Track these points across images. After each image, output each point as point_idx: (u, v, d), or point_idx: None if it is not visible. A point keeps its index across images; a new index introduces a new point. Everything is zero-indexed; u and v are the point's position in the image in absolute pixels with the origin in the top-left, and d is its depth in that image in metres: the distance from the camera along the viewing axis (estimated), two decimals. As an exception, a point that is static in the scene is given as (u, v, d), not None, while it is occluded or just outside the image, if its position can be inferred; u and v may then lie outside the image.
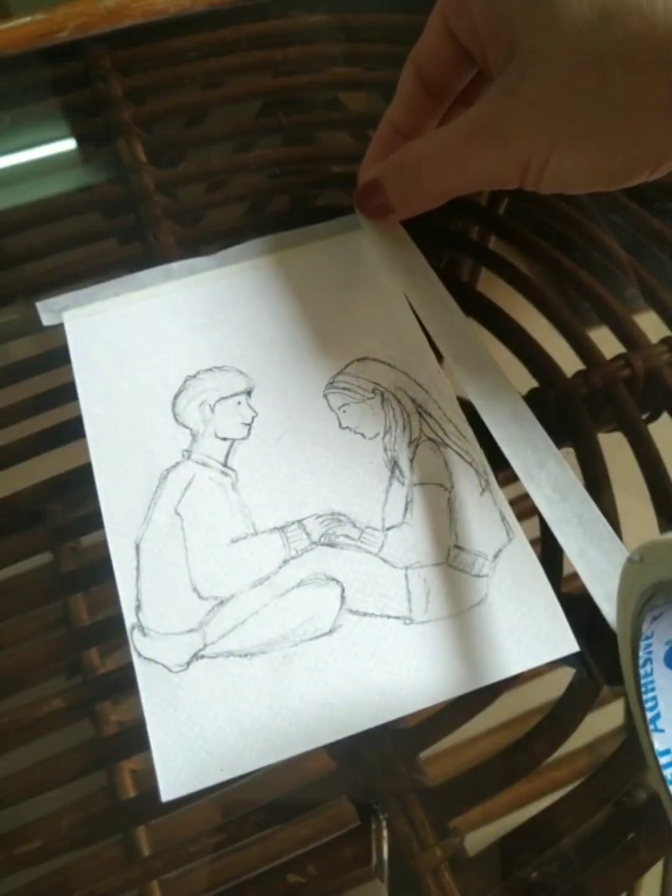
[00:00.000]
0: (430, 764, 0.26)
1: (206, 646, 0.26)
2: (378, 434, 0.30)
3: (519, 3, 0.25)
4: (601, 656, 0.26)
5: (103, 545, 0.28)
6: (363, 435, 0.30)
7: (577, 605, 0.27)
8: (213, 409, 0.31)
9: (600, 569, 0.26)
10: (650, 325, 0.34)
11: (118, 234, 0.38)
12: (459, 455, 0.30)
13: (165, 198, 0.38)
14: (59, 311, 0.33)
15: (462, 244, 0.37)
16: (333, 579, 0.27)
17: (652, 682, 0.22)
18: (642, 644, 0.21)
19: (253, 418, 0.31)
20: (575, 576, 0.28)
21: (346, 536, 0.28)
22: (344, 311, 0.33)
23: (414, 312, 0.33)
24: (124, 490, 0.29)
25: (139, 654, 0.26)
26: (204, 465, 0.29)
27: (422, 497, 0.29)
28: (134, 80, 0.43)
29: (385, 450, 0.30)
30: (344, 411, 0.31)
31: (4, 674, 0.28)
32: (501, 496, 0.29)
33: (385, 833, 0.25)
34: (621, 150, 0.26)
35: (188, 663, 0.26)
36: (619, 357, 0.33)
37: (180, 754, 0.25)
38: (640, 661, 0.22)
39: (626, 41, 0.23)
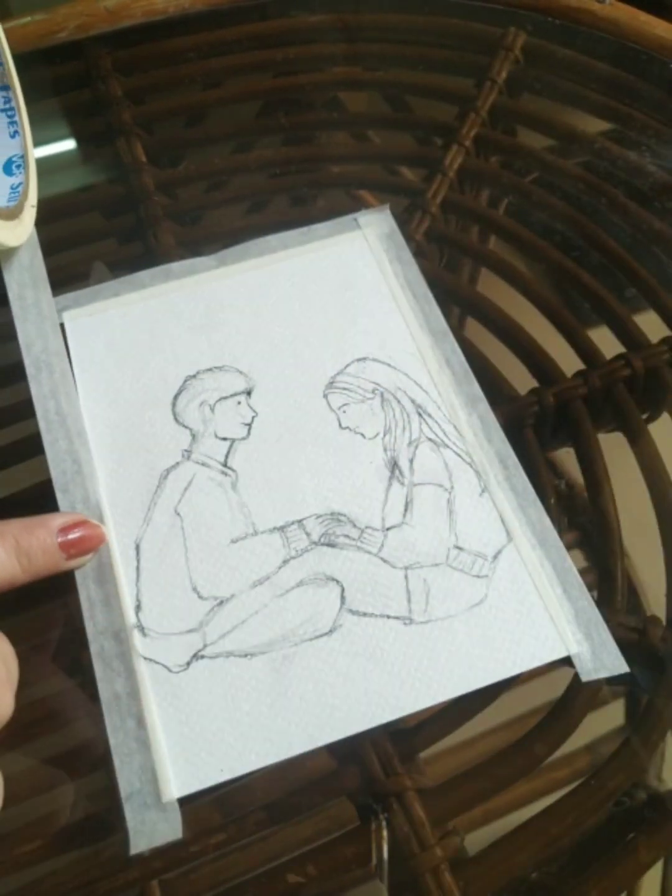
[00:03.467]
0: (430, 764, 0.26)
1: (205, 646, 0.26)
2: (378, 434, 0.30)
3: None
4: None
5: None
6: (363, 435, 0.30)
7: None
8: (212, 409, 0.31)
9: None
10: (650, 325, 0.34)
11: (118, 234, 0.38)
12: (459, 455, 0.30)
13: (165, 198, 0.38)
14: (60, 311, 0.33)
15: (462, 244, 0.37)
16: (333, 579, 0.27)
17: None
18: None
19: (253, 418, 0.31)
20: (585, 571, 0.28)
21: (346, 536, 0.28)
22: (344, 311, 0.33)
23: (414, 312, 0.33)
24: (124, 490, 0.29)
25: (139, 655, 0.26)
26: (204, 465, 0.29)
27: (421, 497, 0.29)
28: (134, 80, 0.43)
29: (385, 450, 0.30)
30: (344, 411, 0.31)
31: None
32: (501, 497, 0.29)
33: (385, 833, 0.25)
34: None
35: (188, 663, 0.26)
36: (619, 357, 0.33)
37: (180, 755, 0.25)
38: None
39: None
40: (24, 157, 0.33)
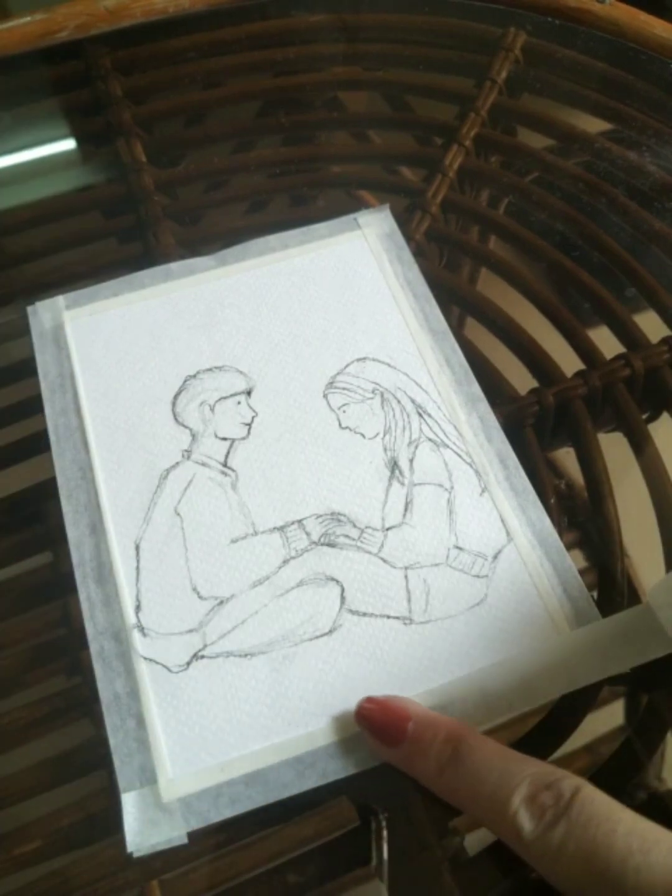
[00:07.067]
0: (430, 764, 0.26)
1: (205, 646, 0.26)
2: (378, 434, 0.30)
3: None
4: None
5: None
6: (363, 435, 0.30)
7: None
8: (212, 409, 0.31)
9: None
10: (650, 325, 0.34)
11: (118, 234, 0.38)
12: (459, 455, 0.30)
13: (165, 198, 0.38)
14: (60, 311, 0.33)
15: (462, 244, 0.37)
16: (333, 579, 0.27)
17: None
18: None
19: (253, 418, 0.31)
20: (585, 571, 0.28)
21: (346, 536, 0.28)
22: (344, 311, 0.33)
23: (414, 312, 0.33)
24: (124, 490, 0.29)
25: (139, 655, 0.26)
26: (204, 465, 0.29)
27: (421, 497, 0.29)
28: (134, 80, 0.43)
29: (385, 450, 0.30)
30: (344, 411, 0.31)
31: (4, 674, 0.28)
32: (501, 497, 0.29)
33: (385, 833, 0.25)
34: None
35: (188, 663, 0.26)
36: (619, 357, 0.33)
37: (180, 754, 0.25)
38: None
39: None
40: None
